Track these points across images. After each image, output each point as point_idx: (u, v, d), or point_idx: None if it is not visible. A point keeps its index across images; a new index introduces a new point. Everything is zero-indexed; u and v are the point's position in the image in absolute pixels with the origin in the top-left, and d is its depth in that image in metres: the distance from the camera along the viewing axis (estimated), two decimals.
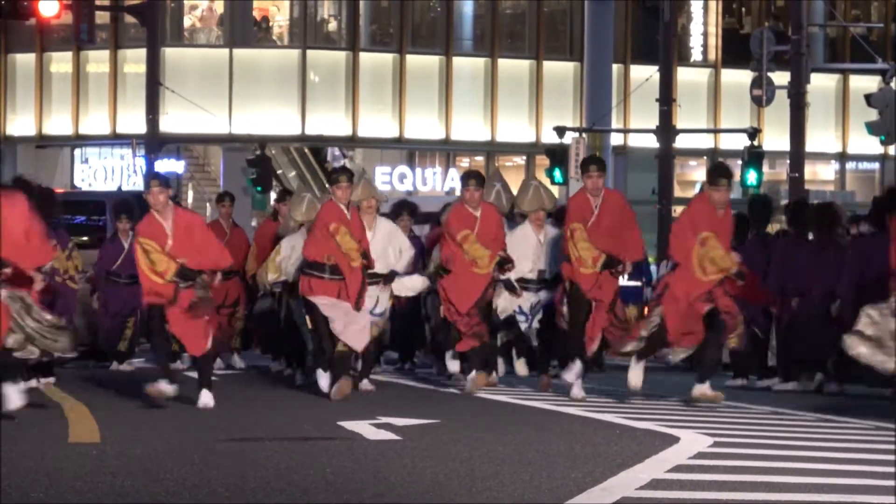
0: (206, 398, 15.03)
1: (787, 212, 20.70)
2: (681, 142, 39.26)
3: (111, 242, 22.06)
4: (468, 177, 17.74)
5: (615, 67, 44.65)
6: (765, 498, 8.73)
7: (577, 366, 15.96)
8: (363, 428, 12.59)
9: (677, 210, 41.06)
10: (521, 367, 18.30)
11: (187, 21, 45.01)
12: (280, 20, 45.61)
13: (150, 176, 15.56)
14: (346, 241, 15.98)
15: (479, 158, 46.56)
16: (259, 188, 40.18)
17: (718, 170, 16.39)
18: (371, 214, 17.12)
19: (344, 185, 16.33)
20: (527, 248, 17.69)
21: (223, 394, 16.57)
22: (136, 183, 39.98)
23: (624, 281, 17.65)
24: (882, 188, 37.21)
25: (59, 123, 44.78)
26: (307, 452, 11.37)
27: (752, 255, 19.60)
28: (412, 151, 45.40)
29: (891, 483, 9.40)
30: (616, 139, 44.28)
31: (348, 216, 16.30)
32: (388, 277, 17.50)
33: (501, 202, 17.90)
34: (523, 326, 17.84)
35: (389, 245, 17.47)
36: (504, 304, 17.88)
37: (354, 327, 16.11)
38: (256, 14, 45.10)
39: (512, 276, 17.54)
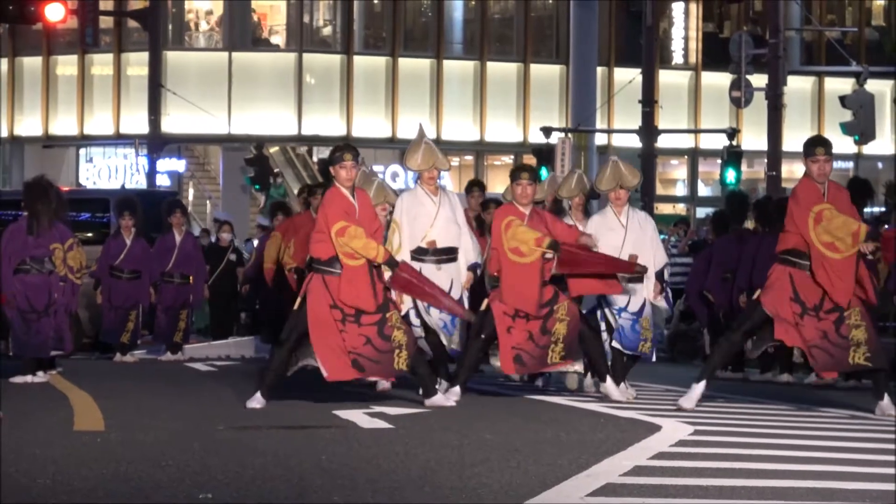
0: None
1: (753, 209, 20.58)
2: (662, 141, 39.36)
3: (114, 239, 22.08)
4: (520, 170, 14.92)
5: (599, 70, 44.76)
6: (743, 483, 8.75)
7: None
8: (357, 417, 12.56)
9: (659, 207, 41.26)
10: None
11: (188, 26, 45.02)
12: (277, 25, 45.62)
13: (345, 148, 13.66)
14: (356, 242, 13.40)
15: (469, 158, 46.62)
16: (257, 186, 40.35)
17: (814, 140, 13.99)
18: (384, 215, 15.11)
19: (349, 165, 13.47)
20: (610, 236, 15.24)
21: (223, 384, 16.60)
22: (138, 181, 40.07)
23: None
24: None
25: (64, 124, 44.81)
26: (303, 440, 11.38)
27: (729, 250, 19.63)
28: (404, 151, 45.29)
29: (864, 470, 9.42)
30: (600, 139, 44.35)
31: (355, 204, 13.54)
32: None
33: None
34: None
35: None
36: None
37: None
38: (254, 18, 45.13)
39: None
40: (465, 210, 15.93)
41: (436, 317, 14.64)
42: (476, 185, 16.74)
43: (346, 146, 13.90)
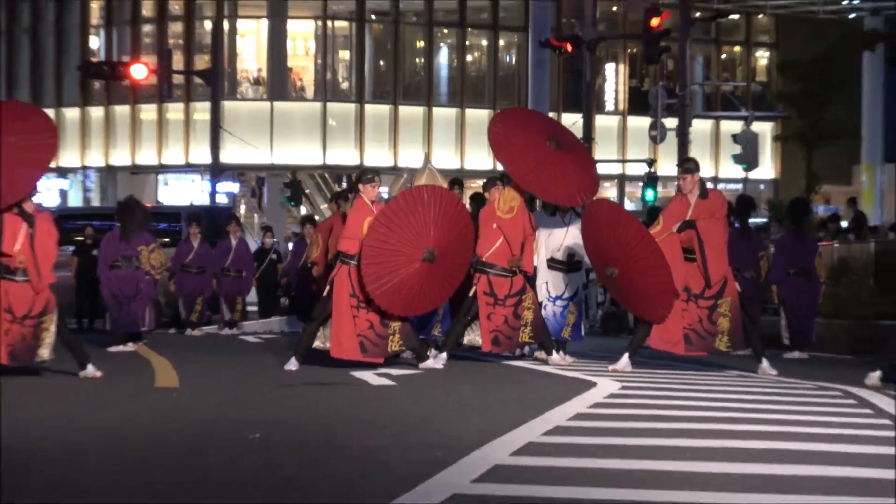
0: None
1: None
2: (598, 169, 39.28)
3: (185, 243, 22.07)
4: (494, 181, 14.87)
5: (551, 115, 44.70)
6: (654, 413, 8.79)
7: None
8: (368, 377, 12.56)
9: None
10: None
11: (239, 81, 44.98)
12: (307, 81, 45.58)
13: (373, 172, 13.67)
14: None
15: None
16: (292, 202, 40.56)
17: (678, 162, 13.36)
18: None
19: (377, 183, 13.52)
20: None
21: (267, 352, 16.60)
22: (203, 199, 39.95)
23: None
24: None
25: (147, 156, 44.74)
26: (327, 395, 11.39)
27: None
28: (405, 176, 45.32)
29: (753, 428, 9.41)
30: None
31: (374, 212, 13.40)
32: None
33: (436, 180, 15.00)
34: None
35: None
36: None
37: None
38: (290, 76, 45.10)
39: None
40: None
41: None
42: (456, 183, 16.42)
43: (373, 170, 13.96)
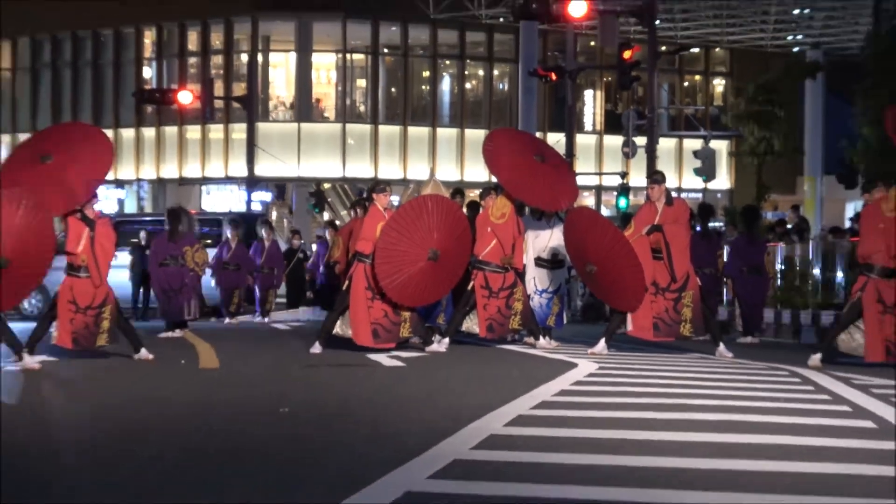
0: None
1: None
2: (578, 181, 39.17)
3: (224, 244, 22.04)
4: (489, 191, 14.77)
5: (538, 134, 44.61)
6: (627, 389, 8.80)
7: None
8: (381, 358, 12.56)
9: None
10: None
11: (271, 105, 44.94)
12: (329, 105, 45.55)
13: (385, 183, 13.79)
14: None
15: None
16: (316, 209, 40.62)
17: (647, 174, 13.69)
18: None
19: (388, 192, 13.71)
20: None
21: (295, 337, 16.59)
22: (241, 207, 39.96)
23: None
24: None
25: (192, 170, 44.72)
26: (346, 374, 11.38)
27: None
28: (413, 186, 45.36)
29: (710, 403, 9.39)
30: None
31: (386, 217, 13.38)
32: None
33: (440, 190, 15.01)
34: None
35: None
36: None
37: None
38: (314, 101, 45.07)
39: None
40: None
41: None
42: (458, 193, 16.43)
43: (385, 182, 14.35)
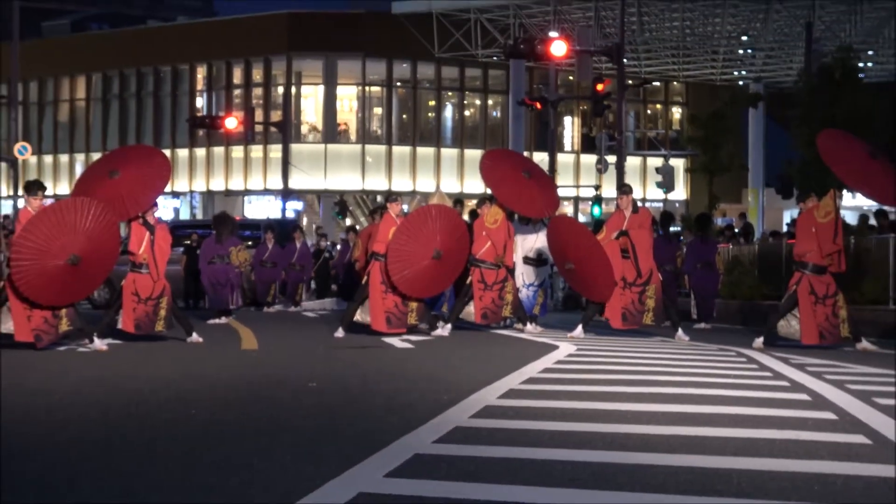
0: None
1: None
2: (559, 192, 39.06)
3: (263, 245, 22.03)
4: (486, 200, 14.95)
5: (525, 153, 44.56)
6: (601, 360, 8.76)
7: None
8: (394, 341, 12.57)
9: None
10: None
11: (303, 130, 44.93)
12: (350, 129, 45.53)
13: (397, 194, 13.70)
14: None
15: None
16: (340, 216, 40.64)
17: (617, 186, 13.89)
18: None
19: (400, 202, 13.90)
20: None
21: (322, 323, 16.55)
22: (277, 214, 39.92)
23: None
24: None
25: (236, 183, 44.73)
26: (364, 354, 11.35)
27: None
28: (421, 197, 45.46)
29: (677, 380, 9.33)
30: None
31: (398, 223, 13.49)
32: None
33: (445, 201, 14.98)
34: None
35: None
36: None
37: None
38: (339, 125, 45.07)
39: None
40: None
41: None
42: (458, 202, 16.55)
43: (397, 193, 14.61)
